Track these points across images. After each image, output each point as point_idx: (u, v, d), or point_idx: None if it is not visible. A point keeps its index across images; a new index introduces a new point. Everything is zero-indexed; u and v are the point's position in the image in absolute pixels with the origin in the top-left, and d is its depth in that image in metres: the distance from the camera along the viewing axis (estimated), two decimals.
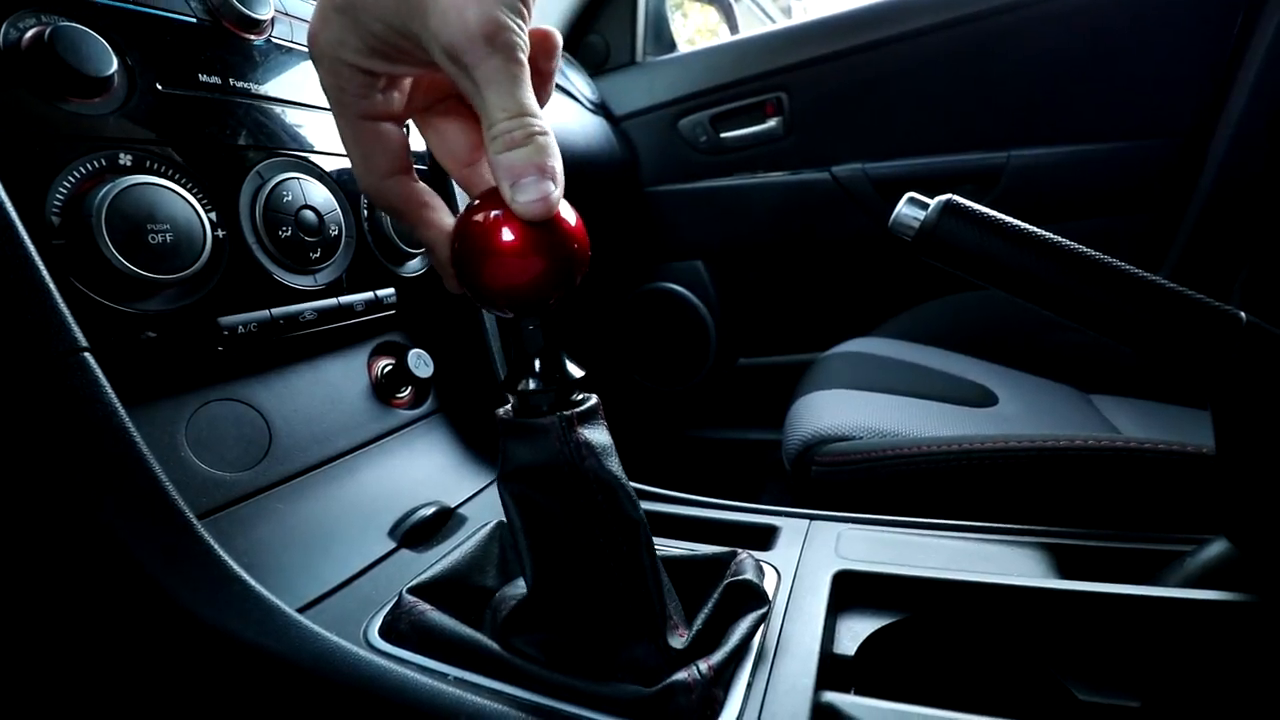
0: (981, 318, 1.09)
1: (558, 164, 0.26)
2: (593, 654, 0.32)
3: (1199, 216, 0.98)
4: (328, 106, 0.48)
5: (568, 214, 0.28)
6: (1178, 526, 0.42)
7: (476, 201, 0.28)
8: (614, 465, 0.31)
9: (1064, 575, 0.40)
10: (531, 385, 0.30)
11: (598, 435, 0.31)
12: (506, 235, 0.27)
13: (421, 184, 0.32)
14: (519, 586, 0.38)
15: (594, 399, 0.32)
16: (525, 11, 0.25)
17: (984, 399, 0.80)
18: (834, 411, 0.71)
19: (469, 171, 0.32)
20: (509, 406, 0.31)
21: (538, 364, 0.30)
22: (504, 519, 0.44)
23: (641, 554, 0.31)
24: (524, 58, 0.25)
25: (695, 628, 0.33)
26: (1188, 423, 0.76)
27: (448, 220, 0.32)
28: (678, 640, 0.32)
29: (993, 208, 0.36)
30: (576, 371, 0.31)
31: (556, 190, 0.26)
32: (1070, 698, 0.34)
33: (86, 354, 0.30)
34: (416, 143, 0.58)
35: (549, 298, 0.28)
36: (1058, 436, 0.55)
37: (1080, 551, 0.42)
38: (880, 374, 0.87)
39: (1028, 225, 0.35)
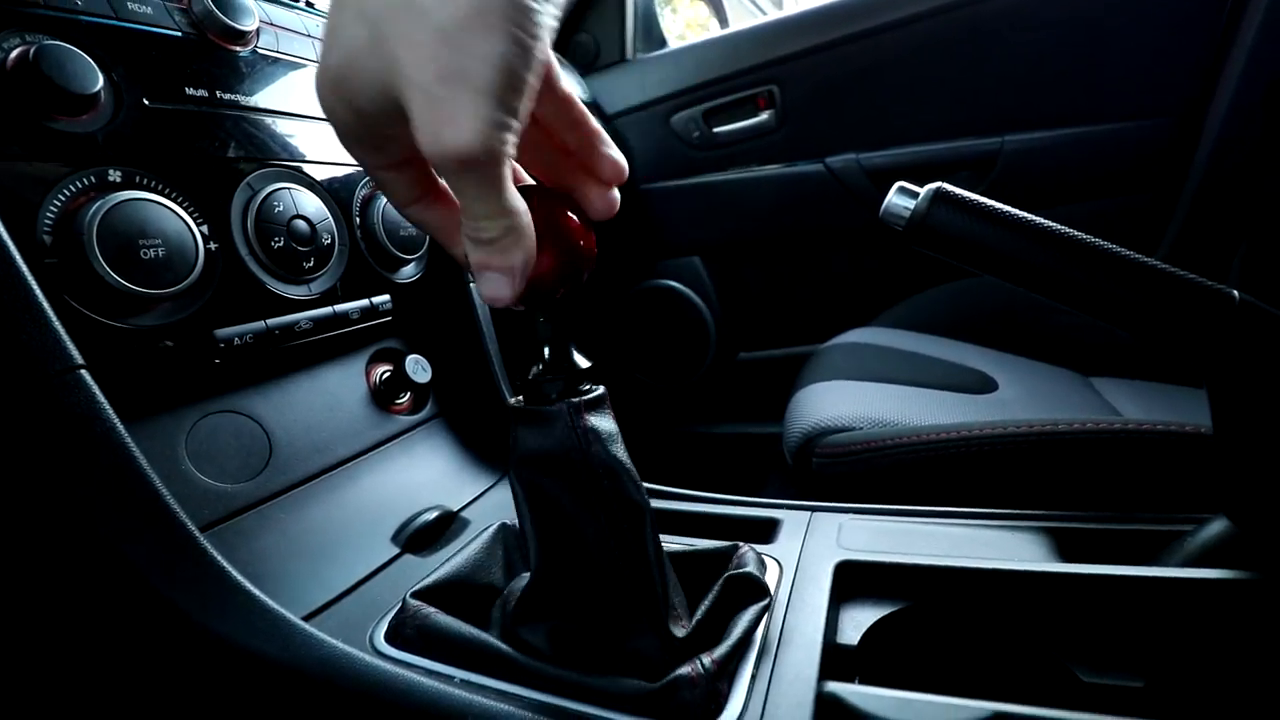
0: (980, 304, 1.09)
1: (518, 259, 0.26)
2: (597, 644, 0.32)
3: (1195, 194, 0.98)
4: (316, 116, 0.49)
5: (574, 215, 0.30)
6: (1178, 507, 0.42)
7: None
8: (619, 451, 0.32)
9: (1065, 558, 0.40)
10: (541, 374, 0.31)
11: (604, 423, 0.32)
12: None
13: (450, 206, 0.30)
14: (521, 583, 0.38)
15: (601, 389, 0.33)
16: (515, 123, 0.23)
17: (983, 385, 0.80)
18: (834, 403, 0.71)
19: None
20: (520, 397, 0.32)
21: (547, 354, 0.32)
22: (507, 521, 0.45)
23: (645, 539, 0.32)
24: (506, 165, 0.24)
25: (696, 618, 0.34)
26: (1188, 403, 0.76)
27: None
28: (679, 629, 0.32)
29: (988, 194, 0.36)
30: (583, 362, 0.32)
31: (509, 288, 0.26)
32: (1074, 680, 0.34)
33: (83, 371, 0.30)
34: None
35: (555, 291, 0.30)
36: (1056, 420, 0.55)
37: (1081, 534, 0.42)
38: (879, 364, 0.87)
39: (1019, 211, 0.35)
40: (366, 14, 0.22)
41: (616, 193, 0.31)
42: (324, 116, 0.50)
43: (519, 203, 0.25)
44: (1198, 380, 0.80)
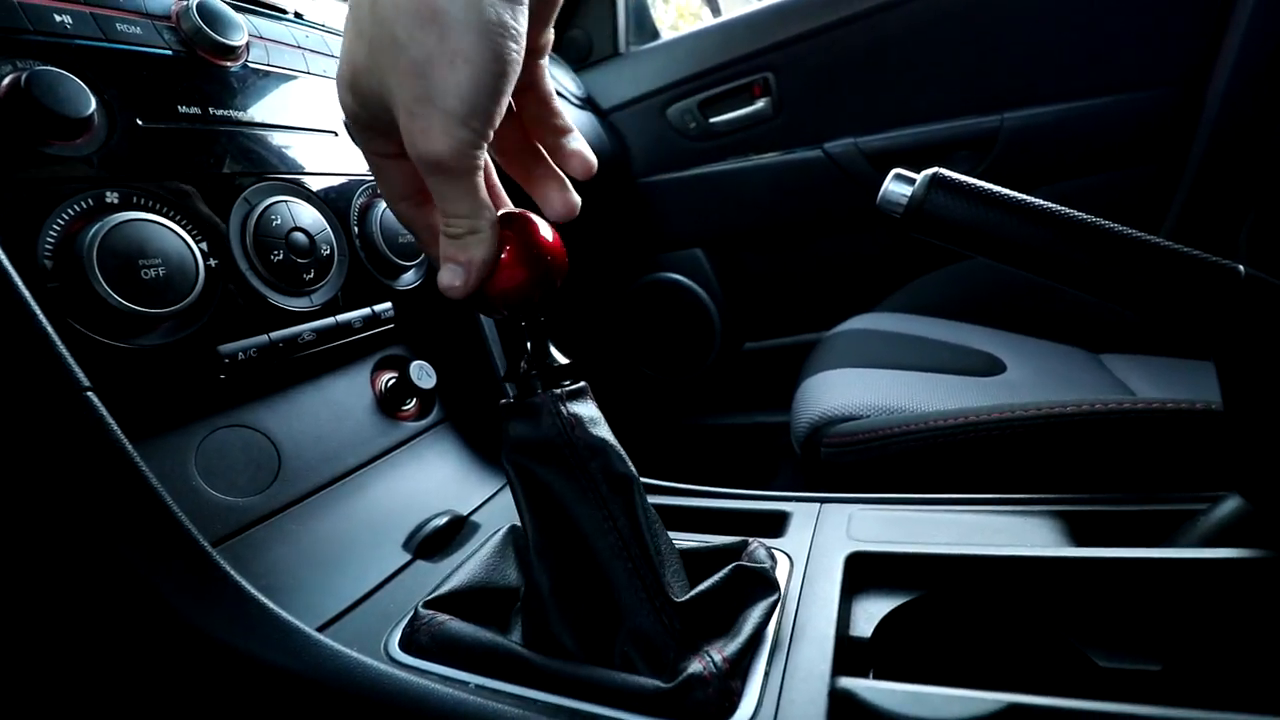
0: (985, 284, 1.08)
1: (476, 256, 0.30)
2: (601, 627, 0.33)
3: (1201, 164, 0.96)
4: (308, 127, 0.49)
5: (546, 231, 0.33)
6: (1191, 485, 0.42)
7: None
8: (603, 431, 0.34)
9: (1078, 542, 0.40)
10: (526, 370, 0.34)
11: (586, 409, 0.35)
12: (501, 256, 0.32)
13: (433, 209, 0.34)
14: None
15: (582, 383, 0.36)
16: (480, 139, 0.27)
17: (992, 368, 0.80)
18: (840, 391, 0.71)
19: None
20: (510, 396, 0.35)
21: (530, 353, 0.35)
22: (517, 524, 0.45)
23: (636, 509, 0.33)
24: (476, 173, 0.28)
25: (696, 591, 0.34)
26: (1203, 377, 0.75)
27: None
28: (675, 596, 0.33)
29: (989, 172, 0.35)
30: (561, 359, 0.35)
31: (462, 280, 0.31)
32: (1091, 665, 0.34)
33: (90, 394, 0.30)
34: None
35: (532, 298, 0.33)
36: (1064, 402, 0.54)
37: (1093, 517, 0.42)
38: (886, 350, 0.86)
39: (1017, 193, 0.34)
40: (364, 35, 0.26)
41: (575, 196, 0.35)
42: (316, 127, 0.51)
43: (487, 210, 0.30)
44: (1208, 354, 0.79)
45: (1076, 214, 0.33)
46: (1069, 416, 0.53)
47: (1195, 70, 0.96)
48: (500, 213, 0.33)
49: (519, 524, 0.45)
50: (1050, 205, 0.33)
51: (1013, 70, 1.06)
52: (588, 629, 0.33)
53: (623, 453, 0.34)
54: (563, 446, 0.33)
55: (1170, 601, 0.34)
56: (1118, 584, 0.35)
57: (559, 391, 0.34)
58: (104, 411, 0.31)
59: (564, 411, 0.33)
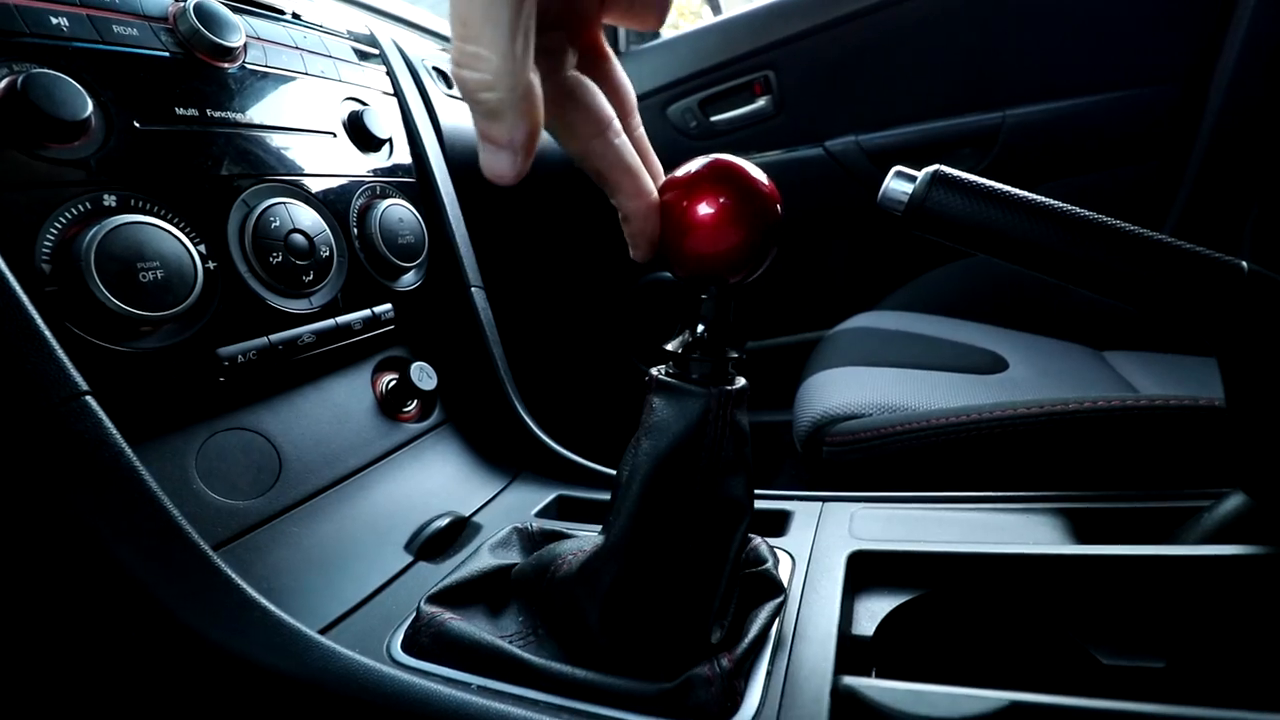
0: (988, 282, 1.08)
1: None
2: (643, 634, 0.32)
3: (1204, 159, 0.96)
4: (306, 128, 0.49)
5: (762, 178, 0.28)
6: (1194, 482, 0.41)
7: (680, 173, 0.29)
8: (746, 451, 0.31)
9: (1081, 540, 0.40)
10: (690, 350, 0.30)
11: (743, 421, 0.31)
12: (705, 209, 0.28)
13: (625, 145, 0.29)
14: (564, 547, 0.37)
15: (744, 382, 0.31)
16: None
17: (994, 365, 0.80)
18: (842, 390, 0.71)
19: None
20: (663, 367, 0.31)
21: (701, 332, 0.30)
22: (519, 525, 0.45)
23: (734, 540, 0.31)
24: None
25: (724, 629, 0.33)
26: (1207, 374, 0.74)
27: (649, 188, 0.30)
28: (715, 634, 0.32)
29: (991, 170, 0.35)
30: (734, 352, 0.31)
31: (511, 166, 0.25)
32: (1094, 662, 0.33)
33: (88, 397, 0.30)
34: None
35: (736, 272, 0.28)
36: (1066, 400, 0.54)
37: (1096, 514, 0.41)
38: (887, 348, 0.86)
39: (1018, 190, 0.34)
40: None
41: None
42: (315, 129, 0.50)
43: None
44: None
45: (1079, 211, 0.33)
46: (1072, 414, 0.53)
47: (1198, 65, 0.96)
48: (708, 159, 0.28)
49: (522, 525, 0.45)
50: (1052, 202, 0.33)
51: (1014, 67, 1.06)
52: (622, 629, 0.32)
53: (751, 481, 0.32)
54: (706, 448, 0.29)
55: (1174, 599, 0.34)
56: (1121, 581, 0.35)
57: (731, 390, 0.30)
58: (102, 415, 0.31)
59: (724, 416, 0.29)
